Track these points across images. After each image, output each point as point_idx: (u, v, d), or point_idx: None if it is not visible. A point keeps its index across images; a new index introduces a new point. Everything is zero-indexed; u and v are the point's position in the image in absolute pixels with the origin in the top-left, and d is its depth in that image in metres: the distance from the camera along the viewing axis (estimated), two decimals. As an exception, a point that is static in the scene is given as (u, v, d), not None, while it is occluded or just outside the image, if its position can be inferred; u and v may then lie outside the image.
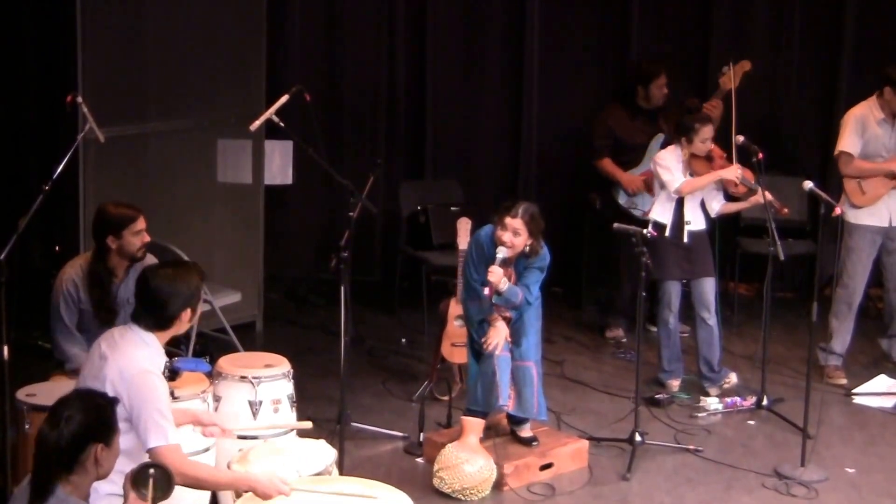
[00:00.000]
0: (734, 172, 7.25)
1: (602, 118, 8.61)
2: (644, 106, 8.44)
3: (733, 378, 7.54)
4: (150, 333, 4.53)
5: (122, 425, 4.10)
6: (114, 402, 3.96)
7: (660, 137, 8.31)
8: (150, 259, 6.10)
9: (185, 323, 4.60)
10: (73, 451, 3.77)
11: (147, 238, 5.98)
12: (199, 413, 5.08)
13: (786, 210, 7.29)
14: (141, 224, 5.95)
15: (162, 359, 4.57)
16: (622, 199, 8.43)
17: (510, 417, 6.51)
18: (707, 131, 7.29)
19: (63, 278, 5.96)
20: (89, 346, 5.02)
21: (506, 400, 6.27)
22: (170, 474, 3.94)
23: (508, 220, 6.11)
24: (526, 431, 6.52)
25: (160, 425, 4.37)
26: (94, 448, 3.79)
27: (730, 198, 7.46)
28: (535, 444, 6.46)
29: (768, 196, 7.08)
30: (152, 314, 4.53)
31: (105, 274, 5.98)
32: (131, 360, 4.43)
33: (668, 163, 7.34)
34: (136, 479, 3.90)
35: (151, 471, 3.91)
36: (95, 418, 3.81)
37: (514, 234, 6.12)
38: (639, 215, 8.00)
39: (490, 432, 6.47)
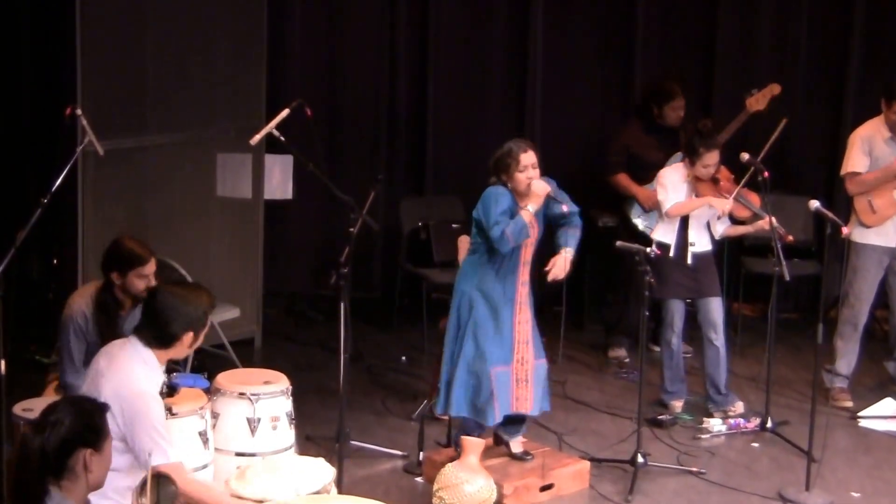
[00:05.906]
0: (723, 204, 7.14)
1: (618, 134, 8.52)
2: (660, 123, 8.29)
3: (740, 407, 7.39)
4: (150, 350, 4.49)
5: (117, 444, 4.04)
6: (104, 407, 3.90)
7: (678, 156, 8.10)
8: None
9: (185, 346, 4.58)
10: (61, 455, 3.71)
11: (153, 282, 5.79)
12: None
13: (790, 238, 7.18)
14: (150, 268, 5.83)
15: (160, 377, 4.53)
16: (636, 216, 8.25)
17: (504, 427, 6.41)
18: (711, 157, 7.18)
19: (73, 308, 5.87)
20: None
21: (494, 421, 6.19)
22: (173, 481, 3.91)
23: (523, 156, 6.18)
24: (518, 445, 6.46)
25: (159, 444, 4.36)
26: (82, 453, 3.74)
27: (735, 221, 7.38)
28: (528, 457, 6.41)
29: (774, 222, 7.01)
30: (154, 330, 4.50)
31: (113, 305, 5.90)
32: (127, 379, 4.40)
33: (667, 181, 7.28)
34: (141, 488, 3.88)
35: (153, 475, 3.88)
36: (84, 422, 3.76)
37: (534, 167, 6.21)
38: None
39: (491, 452, 6.41)
